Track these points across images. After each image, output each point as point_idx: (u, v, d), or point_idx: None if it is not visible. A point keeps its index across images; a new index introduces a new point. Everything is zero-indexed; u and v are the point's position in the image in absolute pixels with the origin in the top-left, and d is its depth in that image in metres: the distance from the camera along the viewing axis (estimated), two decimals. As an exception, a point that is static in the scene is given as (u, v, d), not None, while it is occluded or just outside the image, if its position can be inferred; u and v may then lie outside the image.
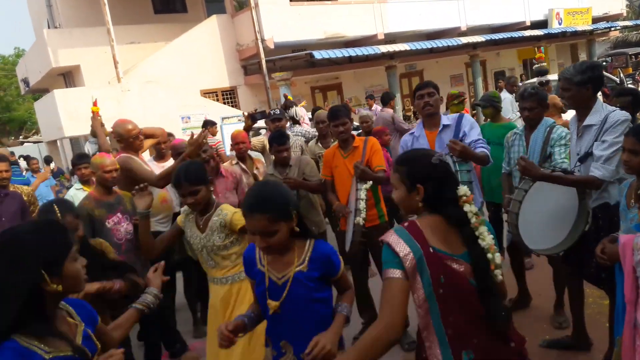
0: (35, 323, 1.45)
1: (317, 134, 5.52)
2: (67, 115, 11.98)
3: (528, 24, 19.94)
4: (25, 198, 4.82)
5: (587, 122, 2.85)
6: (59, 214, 2.47)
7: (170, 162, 4.62)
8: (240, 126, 5.77)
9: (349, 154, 3.70)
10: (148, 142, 4.51)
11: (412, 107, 14.66)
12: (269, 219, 1.80)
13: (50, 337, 1.48)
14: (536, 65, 9.68)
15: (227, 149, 8.28)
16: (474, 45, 17.63)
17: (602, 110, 2.79)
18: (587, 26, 20.87)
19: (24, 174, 8.89)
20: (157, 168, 4.30)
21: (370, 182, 3.40)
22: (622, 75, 15.09)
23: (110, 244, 3.38)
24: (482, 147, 3.28)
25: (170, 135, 5.03)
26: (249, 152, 4.88)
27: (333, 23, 15.28)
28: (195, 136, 3.52)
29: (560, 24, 20.42)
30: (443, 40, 16.56)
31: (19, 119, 33.04)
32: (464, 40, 16.69)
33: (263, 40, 14.02)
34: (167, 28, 15.15)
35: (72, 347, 1.50)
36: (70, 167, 5.01)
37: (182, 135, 8.13)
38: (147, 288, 2.15)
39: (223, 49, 14.95)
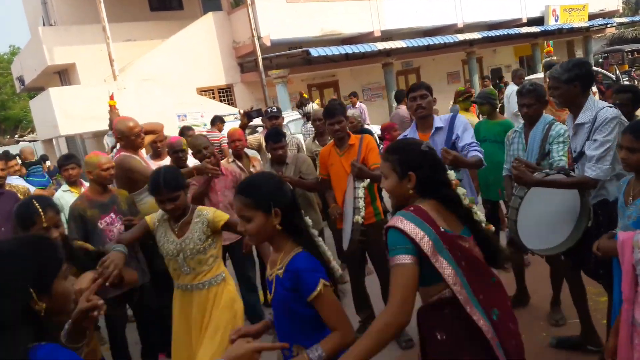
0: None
1: None
2: (62, 114, 11.93)
3: (524, 20, 19.97)
4: (20, 197, 4.80)
5: (578, 120, 2.85)
6: (40, 210, 2.36)
7: (167, 160, 4.61)
8: (237, 124, 5.76)
9: (344, 152, 3.70)
10: (148, 138, 4.50)
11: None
12: (244, 203, 1.80)
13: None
14: (546, 59, 9.68)
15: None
16: (471, 42, 17.66)
17: (593, 107, 2.79)
18: (584, 23, 20.93)
19: (45, 175, 7.97)
20: (154, 167, 4.28)
21: (368, 180, 3.40)
22: (618, 72, 15.17)
23: (103, 246, 3.37)
24: (475, 150, 3.26)
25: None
26: (245, 150, 4.87)
27: (329, 20, 15.27)
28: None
29: (556, 20, 20.46)
30: (439, 37, 16.57)
31: (14, 117, 32.91)
32: (461, 37, 16.71)
33: (259, 38, 14.00)
34: (163, 25, 15.10)
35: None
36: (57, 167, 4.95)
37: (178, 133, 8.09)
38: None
39: (219, 46, 14.92)
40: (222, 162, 4.54)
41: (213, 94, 14.97)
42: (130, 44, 14.43)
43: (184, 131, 6.44)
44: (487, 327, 1.70)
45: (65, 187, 4.56)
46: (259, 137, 5.60)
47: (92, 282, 2.04)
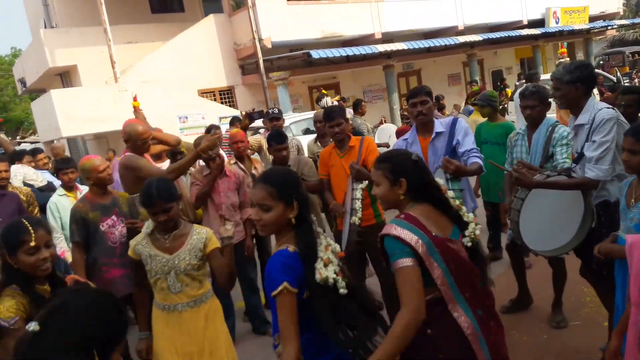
0: None
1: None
2: (64, 116, 11.93)
3: (525, 22, 19.97)
4: (23, 198, 4.81)
5: (578, 121, 2.86)
6: (31, 230, 2.12)
7: (167, 163, 4.61)
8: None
9: (345, 153, 3.72)
10: (157, 148, 4.47)
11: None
12: (268, 192, 1.84)
13: None
14: (560, 60, 9.68)
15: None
16: (472, 45, 17.65)
17: (592, 109, 2.80)
18: (584, 25, 20.91)
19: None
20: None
21: (366, 181, 3.40)
22: (619, 74, 15.15)
23: (104, 248, 3.35)
24: (476, 156, 3.25)
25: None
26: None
27: (330, 22, 15.27)
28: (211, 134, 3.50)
29: (557, 22, 20.46)
30: (440, 39, 16.57)
31: (16, 119, 32.95)
32: (462, 39, 16.70)
33: (260, 40, 14.00)
34: (164, 27, 15.11)
35: None
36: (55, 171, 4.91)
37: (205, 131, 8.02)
38: None
39: (220, 48, 14.92)
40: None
41: (214, 95, 14.98)
42: (132, 46, 14.45)
43: (210, 129, 6.58)
44: (468, 324, 1.84)
45: (61, 191, 4.47)
46: (259, 138, 5.60)
47: None
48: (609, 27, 23.45)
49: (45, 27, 15.75)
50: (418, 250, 1.79)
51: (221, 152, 4.25)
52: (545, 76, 10.60)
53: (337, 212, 3.71)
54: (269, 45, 14.16)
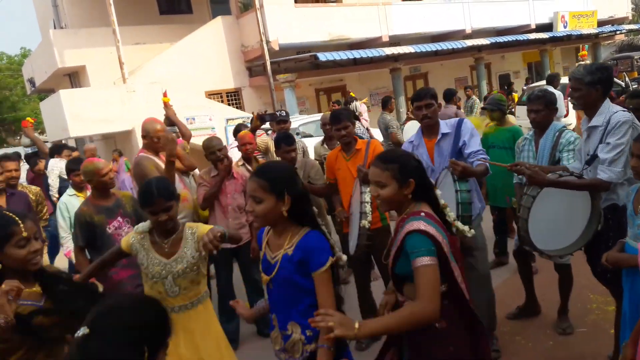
0: None
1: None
2: (72, 116, 12.00)
3: (533, 26, 19.91)
4: (32, 197, 4.84)
5: (592, 123, 2.86)
6: (19, 221, 2.00)
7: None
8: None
9: (351, 156, 3.73)
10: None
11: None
12: (259, 185, 1.93)
13: None
14: (580, 63, 9.67)
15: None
16: (479, 48, 17.63)
17: (607, 111, 2.80)
18: (593, 29, 20.84)
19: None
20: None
21: (375, 185, 3.40)
22: (627, 79, 15.05)
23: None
24: (482, 158, 3.25)
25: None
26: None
27: (337, 25, 15.30)
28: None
29: (565, 27, 20.39)
30: (448, 42, 16.57)
31: (24, 118, 33.19)
32: (469, 43, 16.69)
33: (268, 42, 14.05)
34: (172, 29, 15.20)
35: None
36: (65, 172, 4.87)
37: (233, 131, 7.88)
38: None
39: (228, 50, 14.98)
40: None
41: (221, 97, 15.03)
42: (140, 47, 14.54)
43: (240, 128, 6.56)
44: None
45: (70, 191, 4.49)
46: (266, 140, 5.62)
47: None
48: (618, 32, 23.34)
49: (55, 28, 15.87)
50: (444, 249, 1.83)
51: (229, 153, 4.26)
52: (565, 79, 10.52)
53: (341, 218, 3.78)
54: (276, 48, 14.20)
